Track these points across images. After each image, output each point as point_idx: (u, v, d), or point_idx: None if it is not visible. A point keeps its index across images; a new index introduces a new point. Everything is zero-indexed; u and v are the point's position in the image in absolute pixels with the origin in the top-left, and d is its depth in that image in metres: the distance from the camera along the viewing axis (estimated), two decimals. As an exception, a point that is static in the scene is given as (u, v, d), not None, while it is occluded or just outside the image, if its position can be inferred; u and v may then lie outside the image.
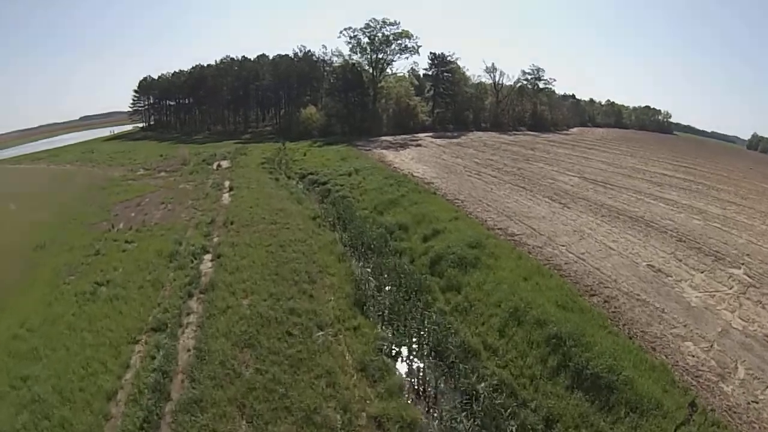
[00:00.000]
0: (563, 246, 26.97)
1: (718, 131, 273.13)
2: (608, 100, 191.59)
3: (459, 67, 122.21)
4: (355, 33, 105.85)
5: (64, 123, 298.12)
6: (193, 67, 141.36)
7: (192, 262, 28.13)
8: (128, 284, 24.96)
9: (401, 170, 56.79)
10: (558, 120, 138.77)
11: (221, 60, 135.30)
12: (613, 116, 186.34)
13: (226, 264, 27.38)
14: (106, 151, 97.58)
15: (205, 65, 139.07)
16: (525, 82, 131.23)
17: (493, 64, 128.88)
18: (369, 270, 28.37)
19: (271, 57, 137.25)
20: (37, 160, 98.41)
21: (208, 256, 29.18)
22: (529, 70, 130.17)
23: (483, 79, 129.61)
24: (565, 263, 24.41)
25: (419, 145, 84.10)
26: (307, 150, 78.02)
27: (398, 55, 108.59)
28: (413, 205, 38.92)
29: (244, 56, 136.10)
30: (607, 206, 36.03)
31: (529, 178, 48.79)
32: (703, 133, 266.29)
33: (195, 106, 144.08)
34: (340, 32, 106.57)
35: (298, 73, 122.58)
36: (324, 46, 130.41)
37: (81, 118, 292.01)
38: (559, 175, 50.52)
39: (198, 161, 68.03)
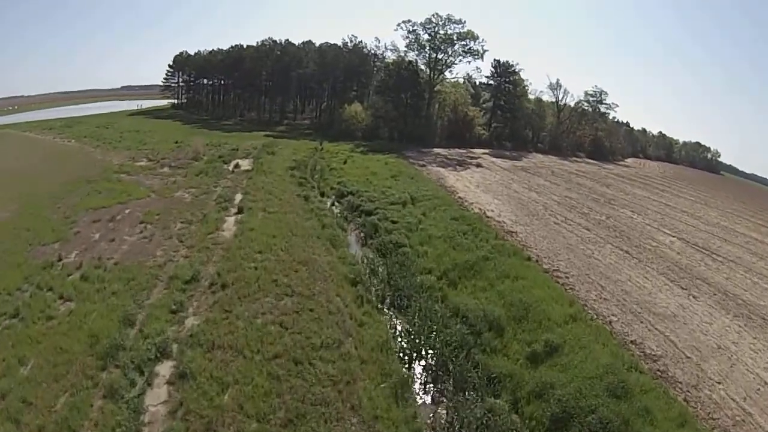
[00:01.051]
0: (719, 384, 18.83)
1: (758, 173, 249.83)
2: (660, 132, 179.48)
3: (522, 80, 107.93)
4: (414, 27, 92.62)
5: (106, 90, 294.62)
6: (231, 47, 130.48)
7: (134, 383, 15.33)
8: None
9: (469, 203, 43.49)
10: (615, 149, 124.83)
11: (262, 41, 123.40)
12: (663, 149, 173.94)
13: (191, 399, 14.50)
14: (123, 128, 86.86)
15: (245, 46, 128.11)
16: (587, 105, 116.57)
17: (558, 80, 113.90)
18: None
19: (317, 45, 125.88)
20: (47, 130, 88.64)
21: (165, 369, 16.30)
22: (592, 92, 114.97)
23: (544, 96, 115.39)
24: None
25: (480, 165, 70.39)
26: (349, 156, 65.07)
27: (460, 57, 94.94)
28: (504, 279, 25.47)
29: (287, 40, 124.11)
30: (732, 295, 28.37)
31: (627, 234, 39.75)
32: (742, 173, 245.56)
33: (230, 89, 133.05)
34: (398, 25, 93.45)
35: (345, 65, 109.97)
36: (377, 39, 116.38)
37: (122, 87, 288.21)
38: (656, 233, 41.94)
39: (213, 157, 55.82)
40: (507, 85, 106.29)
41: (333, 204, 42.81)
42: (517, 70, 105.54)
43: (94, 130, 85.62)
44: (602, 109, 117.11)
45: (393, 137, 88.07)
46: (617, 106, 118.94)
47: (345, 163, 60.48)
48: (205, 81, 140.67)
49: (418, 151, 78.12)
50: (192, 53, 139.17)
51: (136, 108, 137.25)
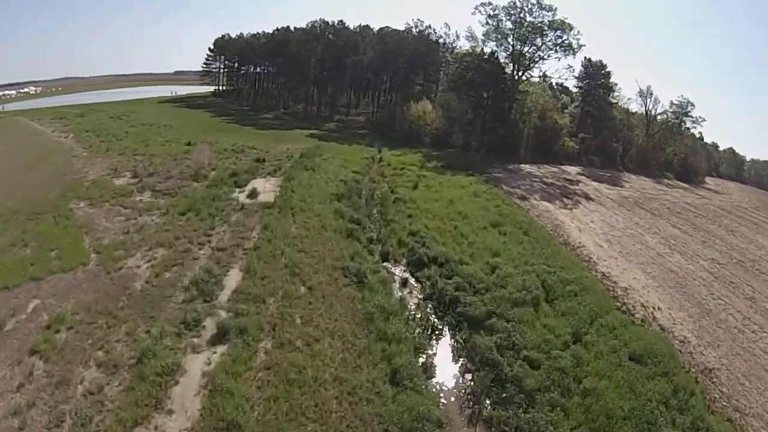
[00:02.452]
0: None
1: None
2: (730, 148, 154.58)
3: (614, 85, 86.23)
4: (496, 11, 72.50)
5: (158, 74, 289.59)
6: (276, 29, 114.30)
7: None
8: None
9: (623, 292, 25.37)
10: (699, 168, 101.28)
11: (311, 23, 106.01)
12: (734, 167, 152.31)
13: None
14: (138, 119, 72.12)
15: (292, 28, 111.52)
16: (673, 117, 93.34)
17: (649, 87, 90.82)
18: None
19: (376, 30, 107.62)
20: (57, 120, 75.26)
21: None
22: (678, 102, 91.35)
23: (632, 105, 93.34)
24: None
25: (588, 197, 50.21)
26: (419, 176, 46.43)
27: (550, 52, 74.06)
28: None
29: (341, 21, 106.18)
30: None
31: None
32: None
33: (274, 77, 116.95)
34: (476, 8, 73.39)
35: (409, 54, 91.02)
36: (446, 25, 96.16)
37: (175, 72, 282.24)
38: None
39: (224, 174, 38.30)
40: (598, 89, 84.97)
41: (405, 284, 24.33)
42: (609, 72, 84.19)
43: (106, 121, 71.38)
44: (688, 122, 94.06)
45: (469, 145, 68.80)
46: (704, 120, 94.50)
47: (415, 188, 41.93)
48: (246, 68, 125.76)
49: (504, 168, 58.66)
50: (234, 36, 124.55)
51: (170, 95, 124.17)
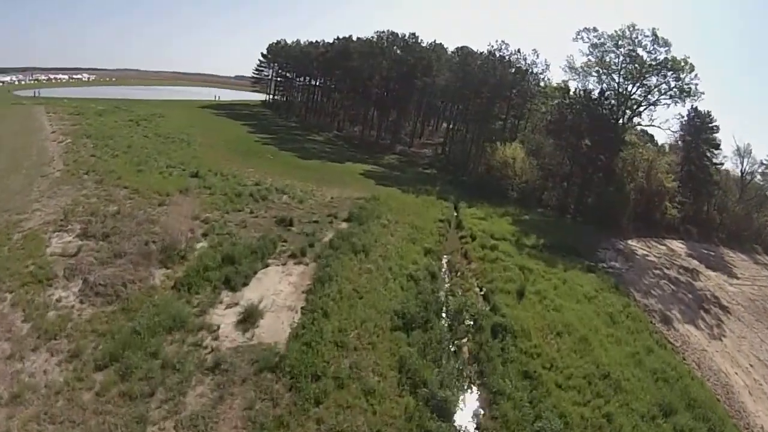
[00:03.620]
0: None
1: None
2: None
3: (719, 141, 68.23)
4: (602, 40, 56.52)
5: (219, 77, 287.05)
6: (337, 38, 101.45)
7: None
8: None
9: None
10: None
11: (378, 33, 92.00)
12: None
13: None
14: (160, 127, 60.18)
15: (354, 38, 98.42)
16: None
17: (747, 146, 71.86)
18: None
19: (451, 49, 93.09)
20: (72, 114, 65.07)
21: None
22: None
23: (728, 164, 74.67)
24: None
25: (722, 306, 34.22)
26: (523, 269, 30.44)
27: (663, 96, 57.33)
28: None
29: (413, 35, 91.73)
30: None
31: None
32: None
33: (330, 92, 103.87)
34: (578, 33, 57.48)
35: (495, 82, 75.54)
36: (534, 52, 79.55)
37: (235, 77, 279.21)
38: None
39: (213, 258, 22.81)
40: (702, 145, 66.94)
41: None
42: (716, 127, 66.34)
43: (121, 125, 59.70)
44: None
45: (565, 207, 52.63)
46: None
47: (521, 296, 26.20)
48: (300, 78, 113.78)
49: (614, 248, 42.77)
50: (290, 42, 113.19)
51: (214, 99, 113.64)
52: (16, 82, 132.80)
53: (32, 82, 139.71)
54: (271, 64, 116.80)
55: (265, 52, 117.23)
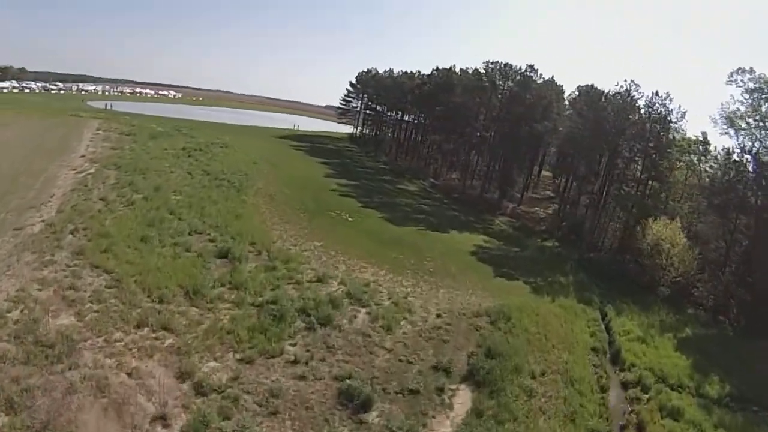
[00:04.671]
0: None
1: None
2: None
3: None
4: (759, 84, 39.02)
5: (309, 105, 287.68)
6: (436, 69, 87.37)
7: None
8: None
9: None
10: None
11: (486, 64, 76.17)
12: None
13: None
14: (212, 162, 47.44)
15: (458, 70, 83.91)
16: None
17: None
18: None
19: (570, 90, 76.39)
20: (122, 135, 55.61)
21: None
22: None
23: None
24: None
25: None
26: None
27: None
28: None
29: (531, 67, 74.69)
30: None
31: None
32: None
33: (426, 131, 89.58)
34: (731, 75, 40.12)
35: (634, 132, 57.39)
36: (667, 95, 59.58)
37: (326, 106, 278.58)
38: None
39: None
40: None
41: None
42: None
43: (168, 154, 48.45)
44: None
45: (723, 307, 34.17)
46: None
47: None
48: (393, 113, 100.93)
49: None
50: (382, 71, 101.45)
51: (293, 128, 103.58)
52: (99, 93, 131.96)
53: (116, 94, 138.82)
54: (360, 95, 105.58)
55: (354, 81, 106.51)
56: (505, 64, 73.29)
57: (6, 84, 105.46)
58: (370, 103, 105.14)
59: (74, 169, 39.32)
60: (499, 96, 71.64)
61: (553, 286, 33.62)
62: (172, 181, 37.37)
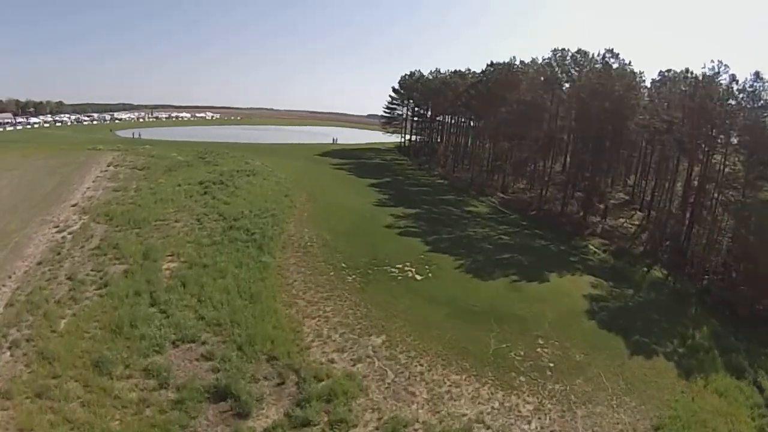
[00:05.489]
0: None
1: None
2: None
3: None
4: None
5: (351, 115, 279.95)
6: (490, 65, 75.11)
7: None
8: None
9: None
10: None
11: (554, 53, 63.24)
12: None
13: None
14: (231, 204, 37.49)
15: (518, 62, 71.23)
16: None
17: None
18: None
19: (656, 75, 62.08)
20: (135, 169, 47.79)
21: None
22: None
23: None
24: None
25: None
26: None
27: None
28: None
29: (611, 51, 60.70)
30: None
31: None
32: None
33: (487, 136, 77.52)
34: None
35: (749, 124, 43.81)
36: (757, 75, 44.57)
37: (368, 116, 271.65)
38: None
39: None
40: None
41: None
42: None
43: (179, 191, 39.66)
44: None
45: None
46: None
47: None
48: (445, 118, 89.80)
49: None
50: (427, 74, 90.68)
51: (332, 142, 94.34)
52: (134, 120, 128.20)
53: (152, 119, 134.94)
54: (406, 101, 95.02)
55: (397, 87, 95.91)
56: (578, 50, 60.79)
57: (38, 119, 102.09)
58: (417, 108, 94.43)
59: (57, 226, 30.92)
60: (574, 89, 59.24)
61: (694, 353, 22.83)
62: (172, 238, 27.93)
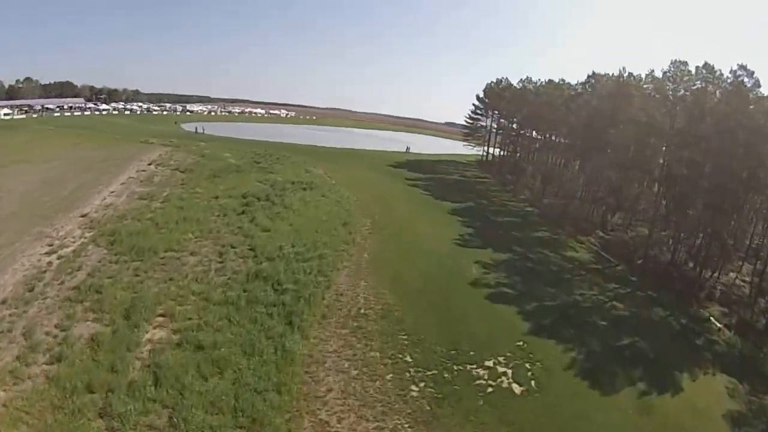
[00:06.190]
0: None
1: None
2: None
3: None
4: None
5: (428, 122, 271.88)
6: (592, 75, 65.42)
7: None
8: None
9: None
10: None
11: (672, 63, 50.89)
12: None
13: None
14: (272, 232, 29.99)
15: (626, 73, 58.91)
16: None
17: None
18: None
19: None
20: (177, 171, 41.16)
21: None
22: None
23: None
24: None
25: None
26: None
27: None
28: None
29: (743, 68, 47.76)
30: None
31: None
32: None
33: (582, 156, 66.17)
34: None
35: None
36: None
37: (446, 123, 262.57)
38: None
39: None
40: None
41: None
42: None
43: (213, 207, 32.65)
44: None
45: None
46: None
47: None
48: (536, 134, 78.99)
49: None
50: (516, 83, 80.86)
51: (405, 151, 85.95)
52: (206, 113, 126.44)
53: (224, 114, 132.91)
54: (490, 112, 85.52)
55: (481, 95, 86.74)
56: (704, 65, 48.48)
57: (108, 106, 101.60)
58: (503, 120, 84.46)
59: (51, 245, 24.69)
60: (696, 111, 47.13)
61: None
62: (175, 283, 20.56)
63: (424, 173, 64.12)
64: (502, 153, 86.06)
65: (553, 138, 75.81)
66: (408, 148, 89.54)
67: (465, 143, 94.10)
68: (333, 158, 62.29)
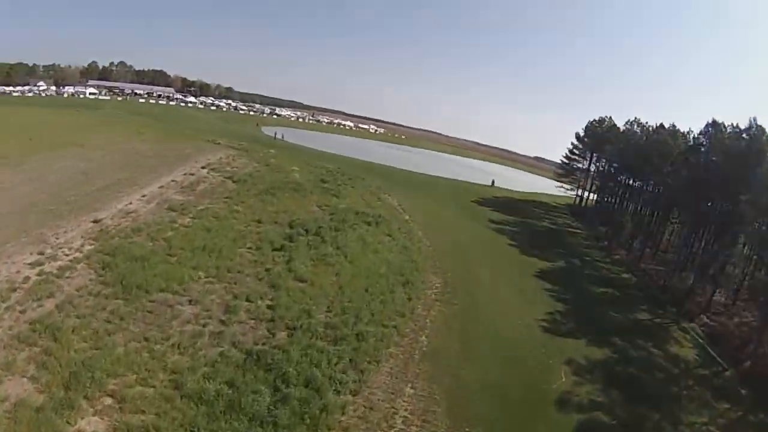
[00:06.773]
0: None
1: None
2: None
3: None
4: None
5: (518, 154, 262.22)
6: (710, 125, 53.57)
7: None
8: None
9: None
10: None
11: None
12: None
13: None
14: (314, 284, 24.15)
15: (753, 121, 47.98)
16: None
17: None
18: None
19: None
20: (229, 180, 36.62)
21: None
22: None
23: None
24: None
25: None
26: None
27: None
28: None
29: None
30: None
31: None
32: None
33: (702, 223, 55.18)
34: None
35: None
36: None
37: (534, 158, 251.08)
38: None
39: None
40: None
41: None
42: None
43: (250, 236, 27.81)
44: None
45: None
46: None
47: None
48: (641, 185, 68.52)
49: None
50: (622, 124, 71.74)
51: (490, 185, 78.03)
52: (293, 119, 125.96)
53: (312, 122, 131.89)
54: (590, 153, 76.74)
55: (581, 134, 78.17)
56: None
57: (195, 99, 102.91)
58: (605, 166, 74.98)
59: (41, 254, 20.71)
60: None
61: None
62: (148, 346, 15.06)
63: (512, 216, 56.21)
64: (596, 199, 76.54)
65: (658, 191, 65.33)
66: (493, 181, 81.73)
67: (558, 185, 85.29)
68: (412, 185, 56.16)
